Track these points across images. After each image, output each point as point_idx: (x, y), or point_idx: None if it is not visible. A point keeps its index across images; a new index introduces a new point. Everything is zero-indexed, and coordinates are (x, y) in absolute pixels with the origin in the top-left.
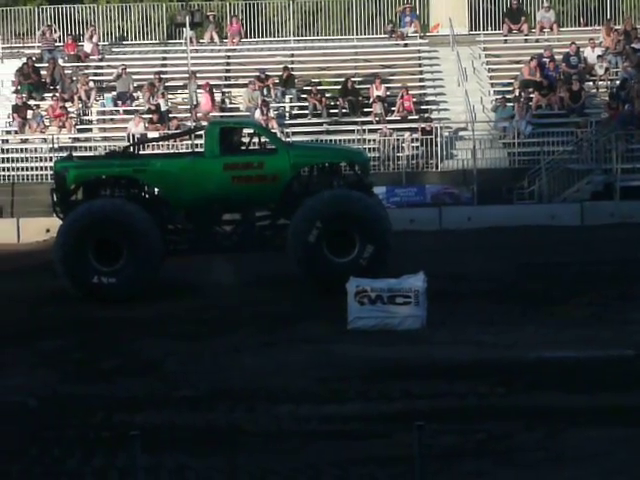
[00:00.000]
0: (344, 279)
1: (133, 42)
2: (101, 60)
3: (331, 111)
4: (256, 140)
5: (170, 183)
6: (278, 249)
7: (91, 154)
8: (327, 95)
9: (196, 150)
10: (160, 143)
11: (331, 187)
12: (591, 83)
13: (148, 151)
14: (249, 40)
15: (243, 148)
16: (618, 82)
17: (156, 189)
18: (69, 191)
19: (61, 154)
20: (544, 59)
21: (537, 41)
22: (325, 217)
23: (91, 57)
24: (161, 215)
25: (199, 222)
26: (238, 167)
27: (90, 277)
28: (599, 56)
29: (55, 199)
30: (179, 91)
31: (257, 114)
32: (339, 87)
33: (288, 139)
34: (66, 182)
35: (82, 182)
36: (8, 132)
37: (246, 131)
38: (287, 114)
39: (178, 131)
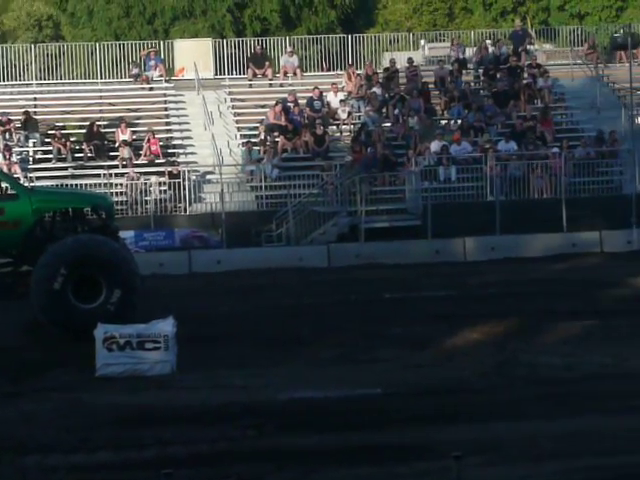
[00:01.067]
0: (92, 325)
1: None
2: None
3: (76, 155)
4: None
5: None
6: (21, 296)
7: None
8: (72, 139)
9: None
10: None
11: (75, 232)
12: (335, 127)
13: None
14: None
15: None
16: (360, 126)
17: None
18: None
19: None
20: (288, 103)
21: (281, 85)
22: (69, 263)
23: None
24: None
25: None
26: None
27: None
28: (342, 100)
29: None
30: None
31: None
32: (84, 131)
33: (32, 184)
34: None
35: None
36: None
37: None
38: (31, 159)
39: None
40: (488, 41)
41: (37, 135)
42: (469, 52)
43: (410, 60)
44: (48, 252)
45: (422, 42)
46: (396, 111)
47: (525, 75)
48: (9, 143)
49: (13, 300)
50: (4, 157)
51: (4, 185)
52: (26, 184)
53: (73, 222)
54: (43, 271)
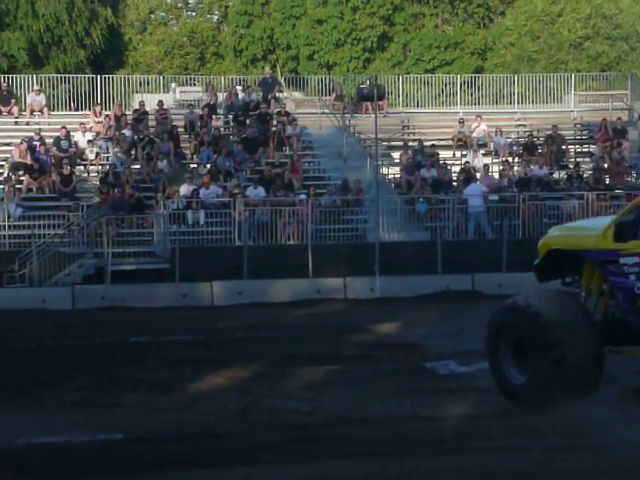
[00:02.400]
0: None
1: None
2: None
3: None
4: None
5: None
6: None
7: None
8: None
9: None
10: None
11: None
12: (82, 167)
13: None
14: None
15: None
16: (108, 167)
17: None
18: None
19: None
20: (35, 142)
21: (27, 124)
22: None
23: None
24: None
25: None
26: None
27: None
28: (89, 141)
29: None
30: None
31: None
32: None
33: None
34: None
35: None
36: None
37: None
38: None
39: None
40: (238, 87)
41: None
42: (220, 97)
43: (160, 103)
44: None
45: (173, 85)
46: (145, 152)
47: (274, 122)
48: None
49: None
50: None
51: None
52: None
53: None
54: None
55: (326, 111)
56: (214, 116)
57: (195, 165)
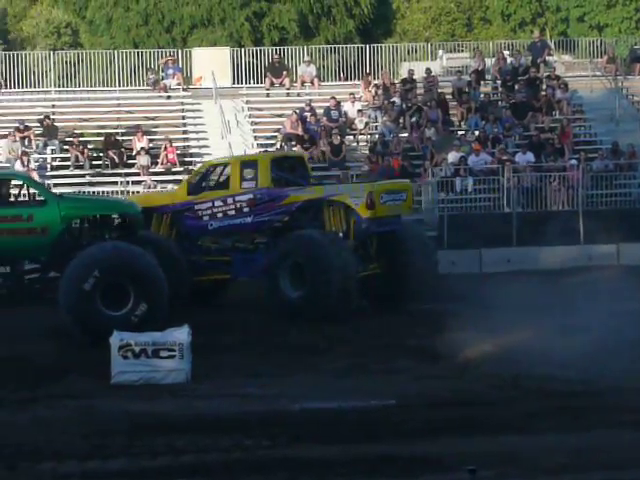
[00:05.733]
0: (112, 332)
1: None
2: None
3: (94, 162)
4: (25, 192)
5: None
6: (48, 302)
7: None
8: (89, 146)
9: None
10: None
11: (103, 239)
12: (352, 137)
13: None
14: (9, 91)
15: (12, 200)
16: (377, 136)
17: None
18: None
19: None
20: (305, 113)
21: (299, 95)
22: (104, 267)
23: None
24: None
25: None
26: (6, 220)
27: None
28: (359, 110)
29: None
30: None
31: (17, 165)
32: (102, 138)
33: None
34: None
35: None
36: None
37: (14, 183)
38: (49, 165)
39: None
40: (506, 52)
41: (56, 142)
42: (487, 63)
43: (428, 70)
44: (85, 253)
45: (440, 52)
46: (413, 120)
47: (544, 86)
48: (27, 150)
49: (40, 306)
50: (22, 163)
51: (32, 191)
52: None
53: (101, 229)
54: (76, 271)
55: (597, 73)
56: (482, 82)
57: (463, 132)
